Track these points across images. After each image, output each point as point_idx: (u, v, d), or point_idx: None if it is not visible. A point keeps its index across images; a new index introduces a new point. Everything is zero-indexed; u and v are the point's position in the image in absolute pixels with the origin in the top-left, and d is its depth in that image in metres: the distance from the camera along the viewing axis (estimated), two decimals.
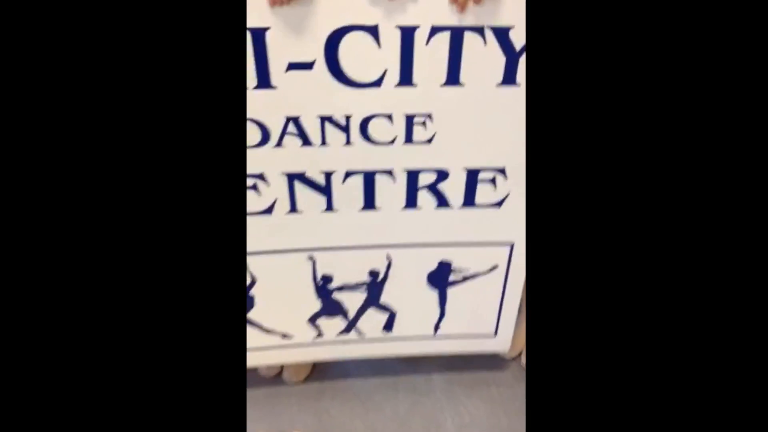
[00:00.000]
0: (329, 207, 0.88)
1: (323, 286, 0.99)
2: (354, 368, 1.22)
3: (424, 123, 0.81)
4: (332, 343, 1.07)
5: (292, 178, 0.85)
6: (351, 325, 1.05)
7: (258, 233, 0.89)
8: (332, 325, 1.05)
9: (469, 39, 0.75)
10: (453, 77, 0.77)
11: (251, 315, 1.00)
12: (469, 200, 0.90)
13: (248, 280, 0.95)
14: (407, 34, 0.73)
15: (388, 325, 1.06)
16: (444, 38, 0.74)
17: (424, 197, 0.89)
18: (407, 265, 0.98)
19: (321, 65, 0.75)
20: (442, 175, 0.87)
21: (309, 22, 0.71)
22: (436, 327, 1.08)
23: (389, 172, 0.86)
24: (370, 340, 1.08)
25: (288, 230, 0.90)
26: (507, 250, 0.97)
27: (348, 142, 0.82)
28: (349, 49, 0.74)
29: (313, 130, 0.80)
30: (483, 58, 0.76)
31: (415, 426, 1.11)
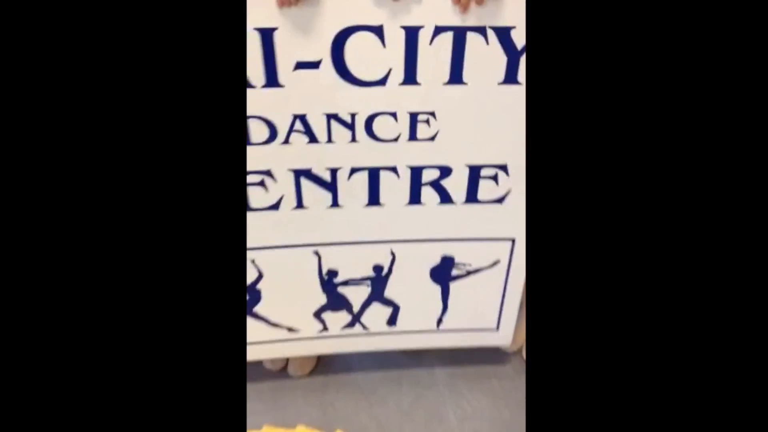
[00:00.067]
0: (335, 203, 0.90)
1: (328, 281, 1.00)
2: (358, 362, 1.23)
3: (427, 121, 0.83)
4: (337, 337, 1.08)
5: (298, 174, 0.86)
6: (355, 319, 1.07)
7: (265, 228, 0.91)
8: (337, 318, 1.06)
9: (472, 39, 0.76)
10: (456, 76, 0.79)
11: (258, 309, 1.02)
12: (471, 196, 0.92)
13: (255, 275, 0.97)
14: (411, 34, 0.75)
15: (392, 319, 1.08)
16: (447, 38, 0.76)
17: (428, 193, 0.91)
18: (411, 260, 0.99)
19: (327, 64, 0.76)
20: (445, 171, 0.89)
21: (316, 22, 0.73)
22: (439, 321, 1.09)
23: (393, 169, 0.87)
24: (374, 334, 1.09)
25: (294, 226, 0.92)
26: (509, 245, 0.98)
27: (353, 139, 0.83)
28: (355, 48, 0.75)
29: (319, 127, 0.82)
30: (485, 58, 0.77)
31: (418, 418, 1.12)
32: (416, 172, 0.88)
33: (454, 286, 1.04)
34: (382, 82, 0.78)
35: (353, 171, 0.87)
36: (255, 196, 0.87)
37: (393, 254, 0.98)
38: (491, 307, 1.08)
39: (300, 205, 0.89)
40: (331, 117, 0.81)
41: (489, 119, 0.83)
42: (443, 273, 1.02)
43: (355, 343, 1.11)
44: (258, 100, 0.78)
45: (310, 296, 1.02)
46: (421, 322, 1.09)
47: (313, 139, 0.83)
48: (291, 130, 0.82)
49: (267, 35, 0.73)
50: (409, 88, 0.79)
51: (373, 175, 0.88)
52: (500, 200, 0.92)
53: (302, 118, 0.81)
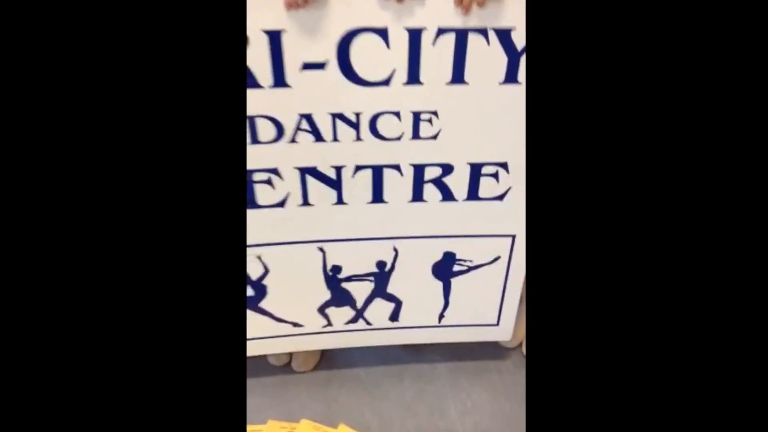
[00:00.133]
0: (339, 200, 0.92)
1: (333, 277, 1.02)
2: (361, 357, 1.24)
3: (430, 120, 0.84)
4: (341, 332, 1.10)
5: (304, 172, 0.88)
6: (359, 315, 1.08)
7: (271, 225, 0.93)
8: (341, 314, 1.07)
9: (473, 40, 0.77)
10: (458, 76, 0.80)
11: (263, 304, 1.03)
12: (472, 194, 0.93)
13: (261, 271, 0.98)
14: (414, 36, 0.76)
15: (395, 315, 1.09)
16: (449, 39, 0.77)
17: (430, 191, 0.92)
18: (413, 256, 1.01)
19: (333, 65, 0.78)
20: (447, 169, 0.90)
21: (322, 24, 0.75)
22: (441, 316, 1.10)
23: (397, 167, 0.89)
24: (377, 329, 1.11)
25: (300, 222, 0.93)
26: (509, 241, 1.00)
27: (358, 138, 0.85)
28: (360, 49, 0.77)
29: (325, 126, 0.83)
30: (486, 58, 0.79)
31: (420, 412, 1.13)
32: (419, 170, 0.90)
33: (455, 281, 1.05)
34: (386, 82, 0.80)
35: (357, 169, 0.89)
36: (262, 194, 0.89)
37: (396, 250, 1.00)
38: (492, 303, 1.09)
39: (306, 202, 0.91)
40: (337, 116, 0.83)
41: (490, 118, 0.85)
42: (445, 269, 1.03)
43: (359, 338, 1.12)
44: (265, 100, 0.80)
45: (314, 292, 1.04)
46: (423, 317, 1.11)
47: (318, 137, 0.84)
48: (297, 129, 0.83)
49: (275, 37, 0.75)
50: (413, 88, 0.81)
51: (377, 172, 0.89)
52: (501, 197, 0.94)
53: (308, 118, 0.82)
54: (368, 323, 1.10)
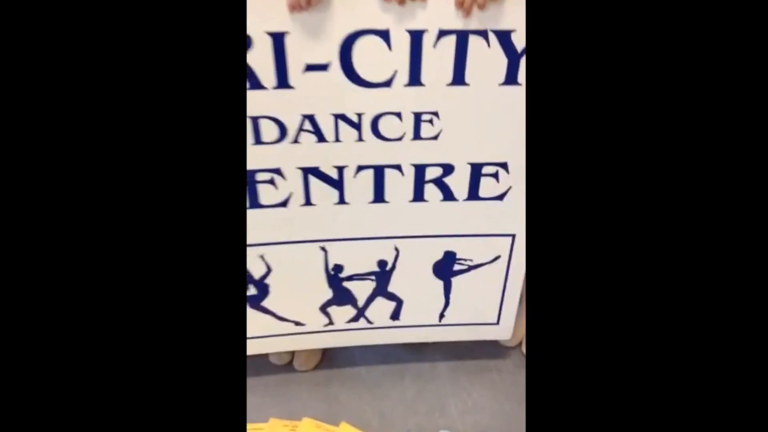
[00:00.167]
0: (341, 200, 0.92)
1: (334, 276, 1.03)
2: (362, 356, 1.24)
3: (431, 120, 0.85)
4: (342, 331, 1.11)
5: (306, 172, 0.89)
6: (360, 313, 1.09)
7: (274, 225, 0.93)
8: (342, 313, 1.08)
9: (474, 42, 0.78)
10: (458, 77, 0.81)
11: (266, 303, 1.04)
12: (473, 194, 0.94)
13: (264, 270, 0.99)
14: (416, 38, 0.77)
15: (396, 314, 1.10)
16: (450, 41, 0.78)
17: (431, 191, 0.93)
18: (414, 255, 1.01)
19: (336, 67, 0.79)
20: (448, 169, 0.91)
21: (325, 26, 0.76)
22: (441, 315, 1.11)
23: (398, 167, 0.90)
24: (378, 328, 1.11)
25: (302, 222, 0.94)
26: (509, 241, 1.01)
27: (360, 138, 0.86)
28: (362, 51, 0.78)
29: (327, 127, 0.84)
30: (486, 60, 0.80)
31: (420, 411, 1.13)
32: (420, 170, 0.91)
33: (455, 281, 1.06)
34: (387, 83, 0.81)
35: (359, 169, 0.89)
36: (265, 194, 0.90)
37: (397, 250, 1.01)
38: (492, 302, 1.10)
39: (308, 202, 0.92)
40: (339, 117, 0.84)
41: (490, 119, 0.86)
42: (445, 268, 1.04)
43: (360, 337, 1.13)
44: (269, 101, 0.81)
45: (316, 291, 1.04)
46: (423, 316, 1.11)
47: (321, 138, 0.85)
48: (300, 129, 0.84)
49: (278, 39, 0.76)
50: (414, 89, 0.82)
51: (379, 172, 0.90)
52: (501, 197, 0.95)
53: (311, 118, 0.83)
54: (369, 322, 1.11)
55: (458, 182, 0.93)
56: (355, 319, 1.10)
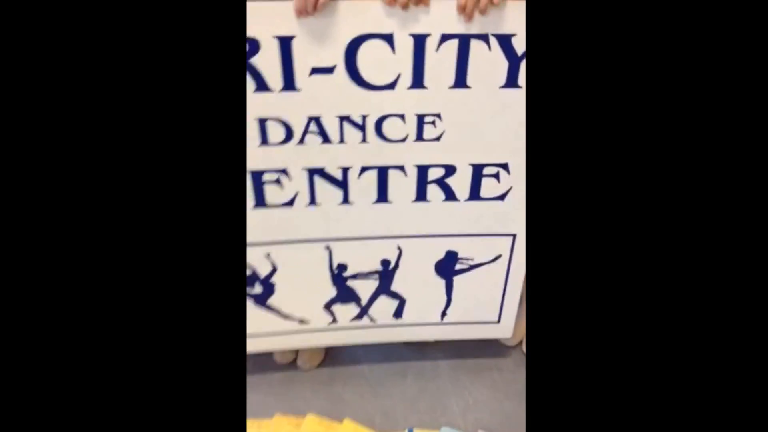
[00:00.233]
0: (345, 200, 0.94)
1: (338, 275, 1.04)
2: (365, 355, 1.25)
3: (433, 122, 0.87)
4: (346, 329, 1.12)
5: (312, 173, 0.90)
6: (363, 312, 1.10)
7: (279, 224, 0.95)
8: (346, 311, 1.09)
9: (475, 45, 0.80)
10: (460, 80, 0.83)
11: (271, 301, 1.06)
12: (474, 194, 0.95)
13: (269, 269, 1.01)
14: (419, 42, 0.79)
15: (398, 312, 1.11)
16: (452, 45, 0.80)
17: (433, 191, 0.95)
18: (416, 254, 1.03)
19: (341, 70, 0.80)
20: (450, 170, 0.92)
21: (331, 30, 0.77)
22: (443, 314, 1.12)
23: (401, 168, 0.91)
24: (381, 326, 1.12)
25: (307, 221, 0.95)
26: (510, 240, 1.02)
27: (364, 140, 0.87)
28: (367, 55, 0.79)
29: (332, 128, 0.86)
30: (488, 63, 0.81)
31: (422, 409, 1.14)
32: (422, 171, 0.92)
33: (457, 279, 1.07)
34: (391, 86, 0.83)
35: (363, 170, 0.91)
36: (271, 194, 0.92)
37: (400, 249, 1.02)
38: (493, 301, 1.11)
39: (313, 201, 0.93)
40: (344, 119, 0.85)
41: (491, 121, 0.88)
42: (447, 267, 1.05)
43: (363, 335, 1.14)
44: (275, 103, 0.82)
45: (320, 289, 1.06)
46: (425, 314, 1.12)
47: (326, 139, 0.87)
48: (306, 131, 0.86)
49: (285, 43, 0.77)
50: (417, 92, 0.83)
51: (382, 173, 0.92)
52: (502, 197, 0.96)
53: (317, 120, 0.85)
54: (372, 320, 1.12)
55: (460, 183, 0.94)
56: (358, 317, 1.11)
